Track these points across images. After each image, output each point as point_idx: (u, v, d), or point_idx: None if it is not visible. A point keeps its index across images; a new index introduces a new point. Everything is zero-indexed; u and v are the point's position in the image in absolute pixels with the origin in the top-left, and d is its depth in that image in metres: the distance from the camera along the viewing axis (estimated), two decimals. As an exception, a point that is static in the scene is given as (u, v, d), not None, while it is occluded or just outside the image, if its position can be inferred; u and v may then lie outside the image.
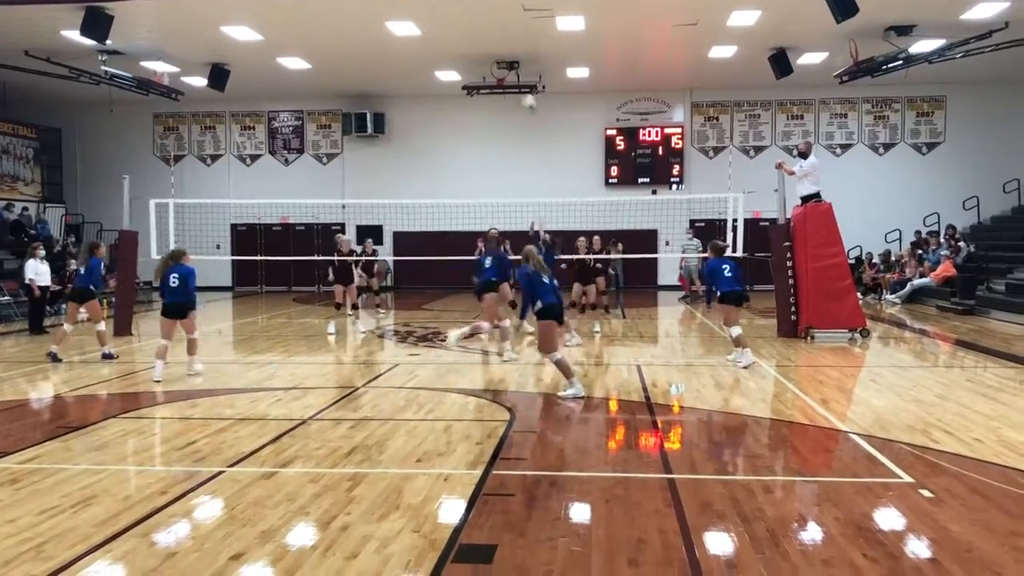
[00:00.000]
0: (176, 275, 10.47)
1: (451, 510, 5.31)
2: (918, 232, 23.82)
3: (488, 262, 12.18)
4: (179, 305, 10.56)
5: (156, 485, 5.84)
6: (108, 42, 17.47)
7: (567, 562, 4.44)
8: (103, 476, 6.09)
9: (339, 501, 5.46)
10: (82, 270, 12.29)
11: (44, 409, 9.25)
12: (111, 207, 22.72)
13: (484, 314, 11.99)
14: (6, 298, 18.20)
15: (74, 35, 17.13)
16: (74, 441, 7.20)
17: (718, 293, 11.00)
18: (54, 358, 11.73)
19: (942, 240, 21.99)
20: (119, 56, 19.69)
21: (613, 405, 8.82)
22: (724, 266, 10.97)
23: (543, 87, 22.34)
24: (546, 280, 9.10)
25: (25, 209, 24.19)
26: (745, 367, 10.67)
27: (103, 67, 19.43)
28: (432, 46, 20.04)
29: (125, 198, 15.84)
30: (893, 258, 23.34)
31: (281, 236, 27.32)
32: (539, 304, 8.97)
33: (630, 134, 26.21)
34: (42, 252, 15.91)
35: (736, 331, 10.89)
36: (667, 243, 24.71)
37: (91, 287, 12.08)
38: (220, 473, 6.15)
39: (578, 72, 23.24)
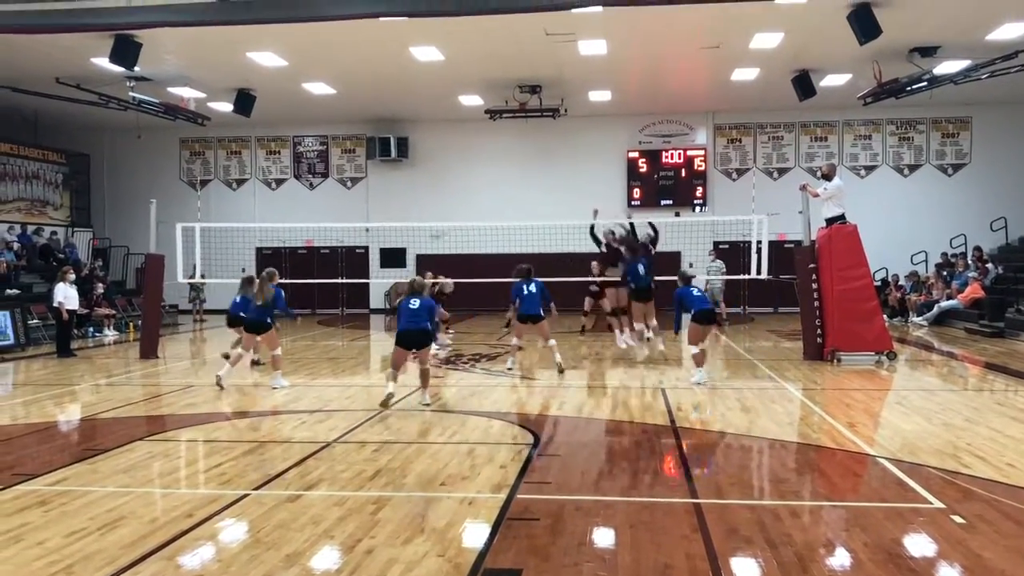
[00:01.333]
0: None
1: (475, 534, 5.29)
2: (944, 254, 23.59)
3: (642, 270, 14.51)
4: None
5: (182, 508, 5.86)
6: (136, 69, 17.77)
7: (593, 587, 4.41)
8: (130, 498, 6.13)
9: (364, 524, 5.45)
10: (259, 302, 11.59)
11: (71, 431, 9.35)
12: (138, 231, 23.06)
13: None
14: (35, 321, 18.42)
15: (103, 62, 17.41)
16: (101, 463, 7.25)
17: (692, 312, 11.35)
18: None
19: (969, 261, 21.75)
20: (147, 82, 20.00)
21: (638, 429, 8.77)
22: (692, 290, 11.54)
23: (565, 110, 22.47)
24: (412, 306, 9.98)
25: (54, 233, 24.56)
26: (697, 383, 11.20)
27: (131, 93, 19.74)
28: (455, 71, 20.20)
29: (152, 222, 16.01)
30: (920, 280, 23.09)
31: (306, 259, 27.50)
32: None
33: (653, 156, 26.17)
34: (72, 276, 16.16)
35: (694, 350, 11.43)
36: (691, 265, 24.57)
37: (266, 319, 11.58)
38: (245, 496, 6.17)
39: (600, 95, 23.31)
